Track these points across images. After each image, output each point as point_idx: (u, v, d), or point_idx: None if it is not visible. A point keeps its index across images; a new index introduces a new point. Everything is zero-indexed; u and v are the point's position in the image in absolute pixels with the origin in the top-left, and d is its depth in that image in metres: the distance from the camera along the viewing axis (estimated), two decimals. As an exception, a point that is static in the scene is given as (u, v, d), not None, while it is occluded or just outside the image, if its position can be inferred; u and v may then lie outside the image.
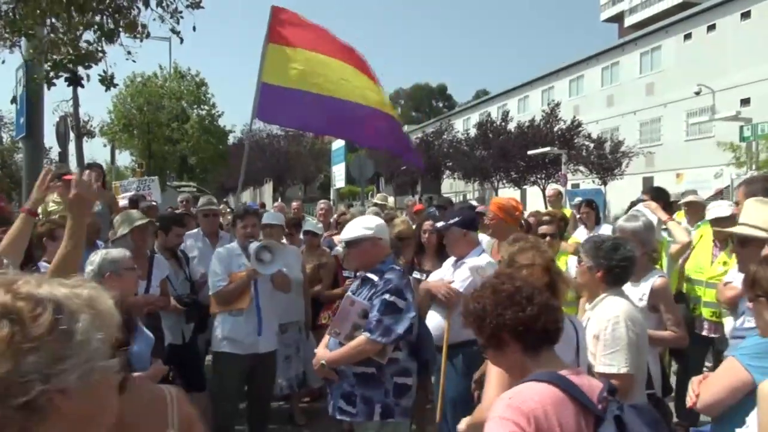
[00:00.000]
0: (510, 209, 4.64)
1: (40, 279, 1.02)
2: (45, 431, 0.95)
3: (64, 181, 2.48)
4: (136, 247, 4.33)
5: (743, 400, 2.27)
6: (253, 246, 4.55)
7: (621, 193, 28.84)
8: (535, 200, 32.56)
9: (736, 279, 3.68)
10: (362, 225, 3.68)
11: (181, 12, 6.51)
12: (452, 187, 50.45)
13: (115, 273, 3.25)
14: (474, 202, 7.07)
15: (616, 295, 3.07)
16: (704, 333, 4.99)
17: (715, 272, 4.91)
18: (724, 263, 4.85)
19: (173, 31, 6.53)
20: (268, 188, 39.29)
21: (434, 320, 4.10)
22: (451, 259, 4.41)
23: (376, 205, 11.08)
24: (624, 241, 3.35)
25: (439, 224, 4.53)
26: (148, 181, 11.67)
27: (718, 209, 4.96)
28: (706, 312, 5.02)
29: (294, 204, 11.24)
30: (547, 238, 4.88)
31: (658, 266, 4.01)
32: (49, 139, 12.21)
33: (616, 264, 3.07)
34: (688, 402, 2.52)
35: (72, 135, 12.43)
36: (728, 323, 3.63)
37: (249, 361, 4.66)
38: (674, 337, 3.61)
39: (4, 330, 0.93)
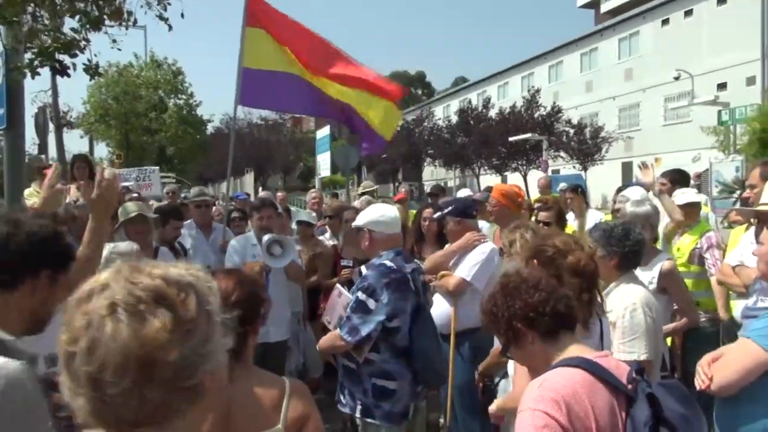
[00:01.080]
0: (513, 195, 4.63)
1: (160, 265, 1.03)
2: (192, 412, 0.98)
3: (85, 181, 2.45)
4: (137, 240, 4.23)
5: (758, 380, 2.28)
6: (265, 239, 4.63)
7: (601, 179, 29.15)
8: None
9: (746, 260, 3.71)
10: (364, 214, 3.60)
11: (168, -2, 6.33)
12: (433, 174, 50.51)
13: None
14: (468, 191, 7.01)
15: (630, 282, 3.08)
16: None
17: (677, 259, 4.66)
18: (678, 249, 4.72)
19: (161, 17, 6.35)
20: (249, 178, 38.95)
21: (440, 307, 4.09)
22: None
23: (364, 194, 11.03)
24: (632, 225, 3.35)
25: (436, 215, 4.53)
26: (148, 171, 11.28)
27: (686, 195, 4.88)
28: None
29: (279, 194, 11.17)
30: (544, 225, 4.87)
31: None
32: (28, 130, 11.88)
33: (629, 250, 3.08)
34: (699, 384, 2.52)
35: (51, 126, 12.20)
36: (738, 305, 3.65)
37: (259, 349, 4.61)
38: (688, 322, 3.64)
39: (166, 317, 0.93)
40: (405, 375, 3.35)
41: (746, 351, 2.33)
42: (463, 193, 7.48)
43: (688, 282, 4.39)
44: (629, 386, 1.81)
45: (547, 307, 1.93)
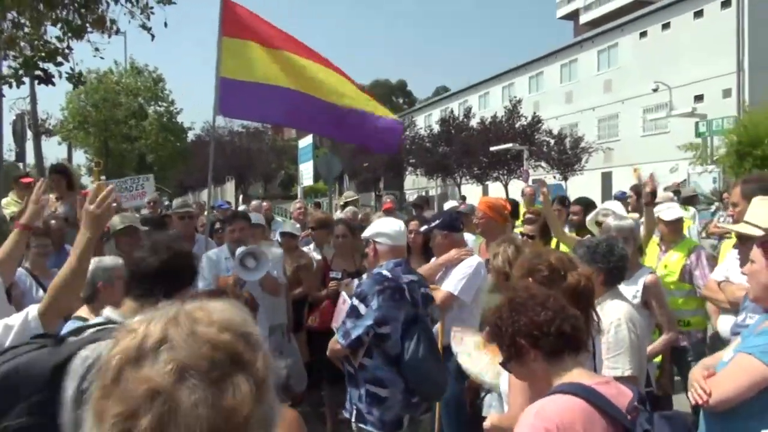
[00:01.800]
0: (499, 208, 4.65)
1: (213, 307, 0.90)
2: None
3: (80, 195, 2.47)
4: (126, 252, 4.18)
5: (755, 395, 2.30)
6: (238, 252, 4.47)
7: (581, 189, 29.42)
8: (497, 196, 32.92)
9: (731, 275, 3.76)
10: (371, 227, 3.79)
11: (152, 8, 6.31)
12: (414, 183, 50.61)
13: (108, 282, 3.13)
14: (454, 203, 7.04)
15: (614, 297, 3.09)
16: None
17: (661, 277, 4.41)
18: (666, 266, 4.58)
19: (144, 27, 6.33)
20: (230, 186, 38.73)
21: (427, 322, 4.08)
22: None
23: (347, 204, 11.00)
24: (615, 240, 3.38)
25: (422, 228, 4.53)
26: (142, 179, 10.85)
27: (670, 212, 4.77)
28: None
29: (264, 204, 11.05)
30: (528, 239, 4.90)
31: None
32: (6, 136, 11.72)
33: (614, 265, 3.10)
34: (694, 399, 2.53)
35: (30, 133, 12.01)
36: (724, 321, 3.68)
37: None
38: (670, 340, 3.67)
39: (248, 383, 0.82)
40: (397, 383, 3.41)
41: (747, 366, 2.34)
42: (449, 204, 7.49)
43: (678, 300, 4.41)
44: (629, 416, 1.79)
45: (553, 327, 1.91)
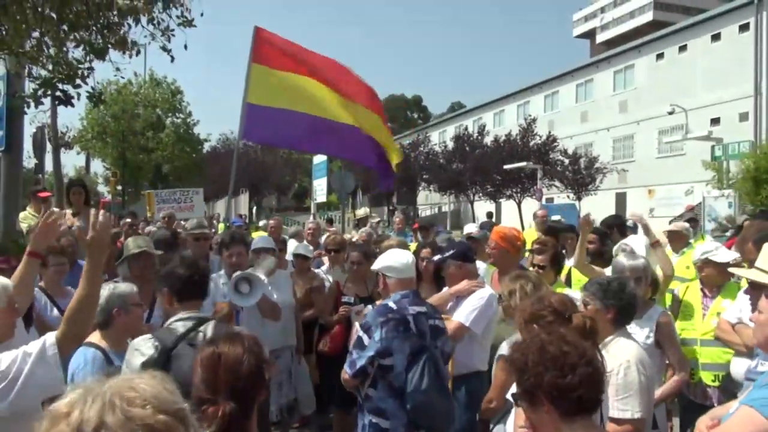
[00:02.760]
0: (512, 239, 4.64)
1: (141, 384, 0.92)
2: None
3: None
4: (138, 276, 4.22)
5: None
6: (233, 276, 4.41)
7: (594, 209, 29.28)
8: (510, 214, 32.86)
9: (744, 317, 3.73)
10: (380, 259, 3.82)
11: (172, 30, 6.42)
12: (428, 199, 50.62)
13: (123, 308, 3.17)
14: (474, 232, 7.02)
15: (623, 336, 3.09)
16: (705, 402, 4.13)
17: (709, 327, 4.21)
18: (718, 314, 4.18)
19: (164, 49, 6.44)
20: (244, 198, 38.91)
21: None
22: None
23: (361, 219, 11.05)
24: (626, 279, 3.38)
25: (435, 257, 4.53)
26: (191, 192, 10.73)
27: (723, 254, 4.39)
28: (707, 377, 4.21)
29: (271, 222, 10.84)
30: (539, 269, 4.88)
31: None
32: (26, 147, 11.89)
33: (626, 303, 3.10)
34: None
35: (49, 146, 12.20)
36: (738, 364, 3.65)
37: None
38: (681, 382, 3.64)
39: None
40: (399, 415, 3.39)
41: (748, 419, 2.32)
42: (469, 229, 7.49)
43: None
44: None
45: (575, 394, 1.88)
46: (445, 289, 4.44)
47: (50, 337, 2.29)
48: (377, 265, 3.77)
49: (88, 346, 3.03)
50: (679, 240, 6.24)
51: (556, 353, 1.94)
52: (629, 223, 7.52)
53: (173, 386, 0.97)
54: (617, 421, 2.75)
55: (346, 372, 3.48)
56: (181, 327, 2.84)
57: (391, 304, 3.53)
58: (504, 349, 3.26)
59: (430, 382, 3.38)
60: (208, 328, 2.88)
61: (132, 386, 0.90)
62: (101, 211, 2.50)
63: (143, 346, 2.73)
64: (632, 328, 3.59)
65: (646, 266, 3.84)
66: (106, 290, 3.18)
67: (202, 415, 1.77)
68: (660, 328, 3.66)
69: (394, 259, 3.71)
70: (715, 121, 30.17)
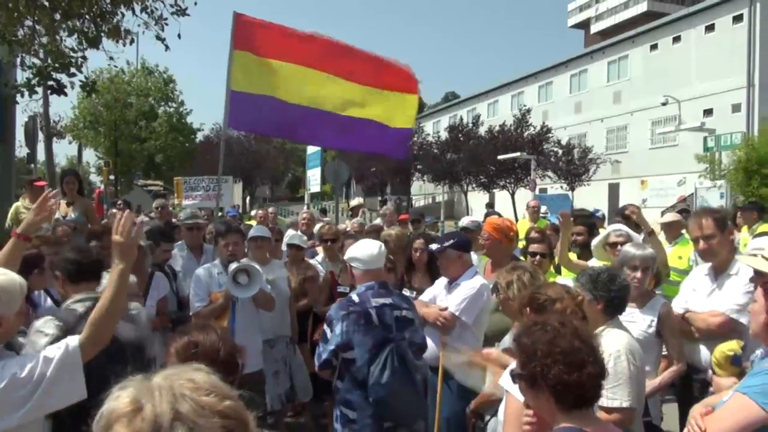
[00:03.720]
0: (505, 230, 4.67)
1: (190, 374, 0.94)
2: None
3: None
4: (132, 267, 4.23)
5: None
6: (231, 268, 4.44)
7: (587, 199, 29.41)
8: (504, 205, 32.95)
9: (692, 305, 3.88)
10: (349, 249, 3.85)
11: (166, 19, 6.39)
12: (421, 189, 50.65)
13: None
14: (468, 223, 7.03)
15: (615, 327, 3.12)
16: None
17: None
18: (680, 258, 4.59)
19: (158, 38, 6.41)
20: (237, 188, 38.85)
21: (429, 341, 4.11)
22: (444, 280, 4.44)
23: (354, 209, 11.03)
24: (618, 271, 3.41)
25: (434, 246, 4.53)
26: (220, 180, 10.61)
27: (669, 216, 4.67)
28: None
29: (270, 209, 10.89)
30: (537, 257, 4.93)
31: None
32: (18, 137, 11.82)
33: (615, 295, 3.12)
34: None
35: (41, 135, 12.13)
36: (704, 350, 3.76)
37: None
38: (678, 372, 3.69)
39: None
40: (365, 407, 3.45)
41: (741, 406, 2.37)
42: (464, 222, 7.50)
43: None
44: None
45: (579, 391, 1.89)
46: (442, 279, 4.45)
47: (73, 341, 2.24)
48: (346, 255, 3.80)
49: None
50: (673, 231, 6.30)
51: (567, 348, 1.91)
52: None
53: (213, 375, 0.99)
54: (606, 410, 2.79)
55: (314, 364, 3.56)
56: (80, 307, 2.90)
57: (354, 297, 3.59)
58: (507, 342, 3.29)
59: (392, 374, 3.39)
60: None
61: (190, 378, 0.92)
62: (125, 212, 2.48)
63: (46, 327, 2.75)
64: (634, 316, 3.66)
65: (654, 256, 3.89)
66: (106, 280, 3.21)
67: None
68: (662, 318, 3.70)
69: (360, 250, 3.72)
70: (708, 112, 30.28)
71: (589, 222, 5.73)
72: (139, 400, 0.87)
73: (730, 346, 3.27)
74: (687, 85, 31.26)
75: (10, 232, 3.05)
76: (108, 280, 2.41)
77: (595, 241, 5.04)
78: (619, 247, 4.65)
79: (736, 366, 3.14)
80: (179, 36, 6.60)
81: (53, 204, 3.02)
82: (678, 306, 3.98)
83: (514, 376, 2.09)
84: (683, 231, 6.42)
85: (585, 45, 45.67)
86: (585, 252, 5.25)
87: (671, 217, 6.48)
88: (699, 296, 3.89)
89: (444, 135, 39.64)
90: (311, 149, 19.00)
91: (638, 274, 3.71)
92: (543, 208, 8.08)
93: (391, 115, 6.40)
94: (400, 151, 6.96)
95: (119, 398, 0.89)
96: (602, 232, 5.18)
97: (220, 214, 9.61)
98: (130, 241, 2.38)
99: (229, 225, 5.41)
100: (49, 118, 14.21)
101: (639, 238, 4.91)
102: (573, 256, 5.34)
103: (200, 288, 4.64)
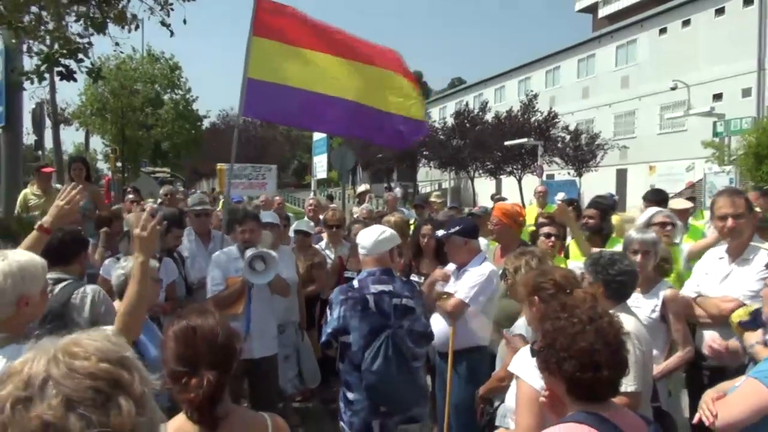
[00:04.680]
0: (514, 215, 4.65)
1: (81, 337, 1.02)
2: None
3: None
4: None
5: (761, 419, 2.33)
6: (248, 254, 4.46)
7: (595, 185, 29.29)
8: (511, 191, 32.86)
9: (704, 289, 3.85)
10: (359, 236, 3.86)
11: (171, 4, 6.35)
12: (428, 175, 50.57)
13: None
14: (476, 210, 6.99)
15: (621, 311, 3.10)
16: None
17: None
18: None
19: (163, 23, 6.38)
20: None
21: (439, 326, 4.12)
22: (452, 266, 4.42)
23: (361, 195, 11.03)
24: (622, 255, 3.38)
25: (440, 233, 4.51)
26: (264, 169, 10.49)
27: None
28: None
29: (276, 198, 10.92)
30: (552, 239, 4.88)
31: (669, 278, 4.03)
32: (25, 124, 11.84)
33: (612, 279, 3.09)
34: (704, 420, 2.56)
35: (48, 122, 12.14)
36: (705, 336, 3.74)
37: (243, 366, 4.63)
38: (684, 360, 3.66)
39: (128, 402, 0.95)
40: (362, 390, 3.51)
41: (753, 391, 2.36)
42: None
43: None
44: None
45: (590, 390, 1.88)
46: (450, 265, 4.43)
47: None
48: (357, 239, 3.86)
49: None
50: (683, 218, 6.12)
51: (585, 348, 1.87)
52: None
53: (119, 339, 1.07)
54: (611, 394, 2.79)
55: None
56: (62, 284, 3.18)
57: (354, 282, 3.64)
58: (518, 328, 3.28)
59: (384, 362, 3.41)
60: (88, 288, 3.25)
61: (76, 342, 1.00)
62: (148, 209, 2.57)
63: None
64: (638, 301, 3.64)
65: (655, 240, 3.85)
66: (130, 263, 3.24)
67: (182, 386, 1.82)
68: (666, 303, 3.68)
69: (365, 236, 3.75)
70: (718, 97, 29.99)
71: (603, 206, 5.55)
72: (25, 361, 0.96)
73: (738, 314, 3.26)
74: (696, 69, 30.94)
75: (26, 227, 3.09)
76: (132, 277, 2.52)
77: (637, 223, 4.83)
78: (668, 227, 4.60)
79: (753, 328, 3.12)
80: (185, 21, 6.56)
81: (79, 199, 3.03)
82: (689, 289, 3.96)
83: (533, 351, 2.08)
84: (690, 220, 6.30)
85: (593, 29, 45.12)
86: (594, 237, 5.13)
87: (683, 203, 6.30)
88: (712, 280, 3.86)
89: (450, 121, 39.47)
90: (317, 136, 18.94)
91: (638, 258, 3.69)
92: (560, 195, 7.95)
93: (401, 108, 6.37)
94: (405, 141, 6.93)
95: (21, 357, 0.99)
96: (643, 215, 4.99)
97: (222, 200, 9.62)
98: (151, 235, 2.49)
99: (245, 211, 5.44)
100: (56, 105, 14.21)
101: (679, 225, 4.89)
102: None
103: (217, 273, 4.69)
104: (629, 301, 3.32)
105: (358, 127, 6.50)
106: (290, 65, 5.85)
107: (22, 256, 2.31)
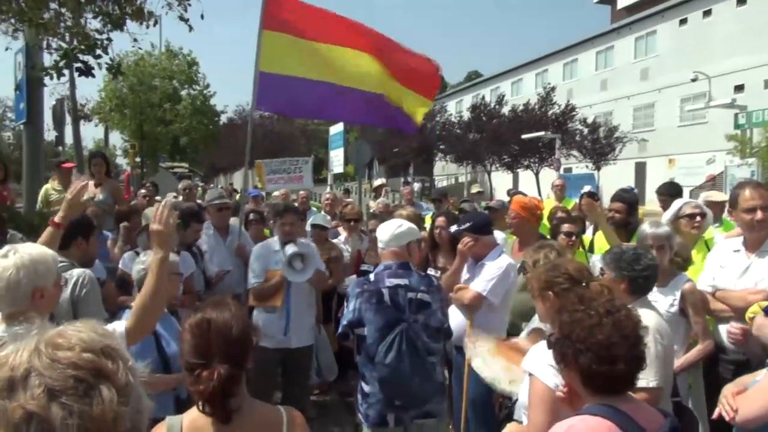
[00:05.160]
0: (533, 208, 4.63)
1: (66, 329, 1.03)
2: None
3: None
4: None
5: None
6: (288, 250, 4.64)
7: (614, 179, 29.02)
8: (528, 185, 32.66)
9: (719, 283, 3.78)
10: (378, 230, 3.87)
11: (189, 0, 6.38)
12: (444, 169, 50.42)
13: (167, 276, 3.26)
14: (493, 203, 6.95)
15: (642, 306, 3.07)
16: None
17: None
18: None
19: (182, 18, 6.41)
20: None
21: (456, 320, 4.11)
22: (469, 260, 4.40)
23: (377, 189, 11.05)
24: (645, 250, 3.34)
25: (452, 229, 4.51)
26: (300, 162, 10.54)
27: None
28: None
29: (302, 193, 10.88)
30: (573, 237, 4.85)
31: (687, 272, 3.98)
32: (46, 120, 11.99)
33: (638, 274, 3.06)
34: (723, 415, 2.53)
35: (68, 118, 12.29)
36: (722, 330, 3.69)
37: (280, 355, 4.80)
38: (703, 353, 3.62)
39: (111, 391, 0.96)
40: (371, 380, 3.53)
41: None
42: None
43: None
44: None
45: (606, 383, 1.87)
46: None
47: (120, 327, 2.35)
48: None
49: (127, 309, 3.14)
50: (717, 211, 5.88)
51: (602, 341, 1.86)
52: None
53: (105, 330, 1.08)
54: (632, 390, 2.77)
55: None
56: None
57: (371, 276, 3.65)
58: (536, 322, 3.26)
59: (397, 356, 3.42)
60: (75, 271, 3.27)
61: (60, 333, 1.01)
62: (166, 204, 2.55)
63: None
64: (656, 295, 3.58)
65: (669, 234, 3.80)
66: (150, 257, 3.27)
67: (195, 378, 1.84)
68: (685, 296, 3.64)
69: (382, 231, 3.76)
70: (739, 88, 29.50)
71: (629, 199, 5.44)
72: (9, 353, 0.98)
73: (753, 310, 3.22)
74: (717, 60, 30.45)
75: (48, 221, 3.14)
76: (149, 273, 2.50)
77: (666, 216, 4.76)
78: (697, 218, 4.53)
79: None
80: (202, 16, 6.59)
81: (83, 191, 3.09)
82: (705, 284, 3.88)
83: (550, 343, 2.07)
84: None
85: (611, 21, 44.53)
86: (620, 231, 5.00)
87: (719, 195, 6.04)
88: (729, 273, 3.78)
89: (467, 115, 39.27)
90: (334, 130, 18.95)
91: (652, 253, 3.64)
92: (587, 187, 7.78)
93: (404, 104, 6.43)
94: (411, 125, 6.96)
95: (6, 349, 1.01)
96: (672, 206, 4.90)
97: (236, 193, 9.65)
98: (169, 230, 2.47)
99: (285, 205, 5.61)
100: (76, 101, 14.36)
101: (710, 214, 4.80)
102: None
103: (257, 264, 4.86)
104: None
105: (369, 114, 6.54)
106: (300, 57, 5.90)
107: (33, 249, 2.35)
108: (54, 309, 2.47)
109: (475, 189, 12.19)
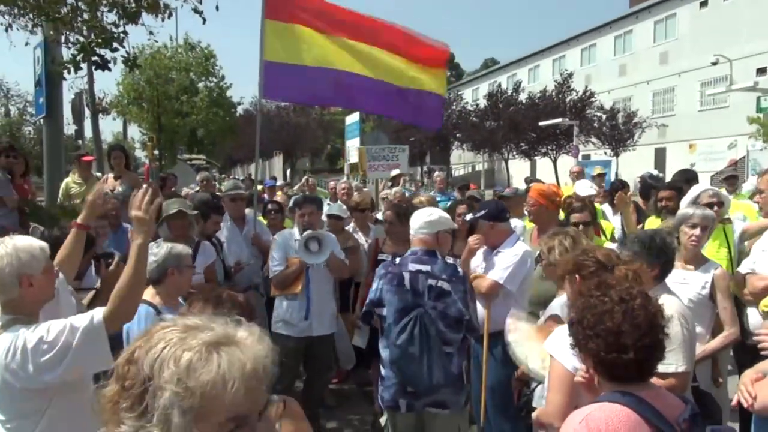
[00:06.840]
0: (551, 195, 4.60)
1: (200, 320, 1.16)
2: None
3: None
4: (177, 235, 4.36)
5: None
6: (303, 235, 4.73)
7: (632, 165, 28.69)
8: (545, 172, 32.39)
9: (758, 267, 3.73)
10: (414, 217, 3.88)
11: (203, -9, 6.39)
12: (461, 158, 50.19)
13: (178, 268, 3.30)
14: (506, 192, 6.91)
15: (664, 292, 3.05)
16: None
17: None
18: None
19: (196, 11, 6.43)
20: (278, 161, 39.11)
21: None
22: (485, 248, 4.39)
23: (394, 178, 11.04)
24: (669, 232, 3.32)
25: (468, 217, 4.53)
26: (397, 150, 10.93)
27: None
28: None
29: (310, 181, 11.01)
30: (581, 227, 4.82)
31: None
32: (65, 113, 12.11)
33: (667, 259, 3.06)
34: (742, 402, 2.51)
35: (87, 112, 12.41)
36: (750, 314, 3.65)
37: (302, 343, 4.87)
38: (730, 337, 3.59)
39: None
40: (388, 362, 3.58)
41: None
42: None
43: None
44: (678, 429, 1.76)
45: (617, 371, 1.84)
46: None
47: (98, 314, 2.31)
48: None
49: (141, 302, 3.15)
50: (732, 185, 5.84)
51: (611, 328, 1.84)
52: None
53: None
54: (661, 375, 2.73)
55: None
56: None
57: (397, 259, 3.75)
58: (554, 309, 3.25)
59: (409, 339, 3.43)
60: None
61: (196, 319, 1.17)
62: (144, 190, 2.50)
63: None
64: (688, 278, 3.61)
65: (714, 218, 3.81)
66: (163, 249, 3.31)
67: None
68: (716, 280, 3.61)
69: (414, 219, 3.82)
70: (761, 71, 28.94)
71: (677, 187, 5.22)
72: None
73: (765, 303, 3.19)
74: (739, 43, 29.85)
75: (68, 214, 3.17)
76: (129, 257, 2.44)
77: (684, 203, 4.71)
78: (715, 207, 4.50)
79: None
80: (217, 8, 6.60)
81: (103, 190, 3.12)
82: (745, 267, 3.89)
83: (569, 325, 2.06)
84: (730, 197, 6.00)
85: (630, 4, 43.84)
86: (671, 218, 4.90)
87: (732, 171, 6.06)
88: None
89: (483, 103, 38.97)
90: (350, 120, 18.96)
91: (697, 232, 3.62)
92: (597, 168, 7.66)
93: (423, 83, 6.47)
94: (435, 121, 7.02)
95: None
96: (689, 192, 4.84)
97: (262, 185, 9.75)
98: (149, 215, 2.42)
99: (304, 195, 5.63)
100: (94, 95, 14.49)
101: (729, 199, 4.78)
102: (657, 221, 5.14)
103: (278, 252, 4.94)
104: (678, 277, 3.27)
105: (380, 104, 6.57)
106: (303, 45, 5.98)
107: (20, 239, 2.36)
108: (48, 297, 2.45)
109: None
